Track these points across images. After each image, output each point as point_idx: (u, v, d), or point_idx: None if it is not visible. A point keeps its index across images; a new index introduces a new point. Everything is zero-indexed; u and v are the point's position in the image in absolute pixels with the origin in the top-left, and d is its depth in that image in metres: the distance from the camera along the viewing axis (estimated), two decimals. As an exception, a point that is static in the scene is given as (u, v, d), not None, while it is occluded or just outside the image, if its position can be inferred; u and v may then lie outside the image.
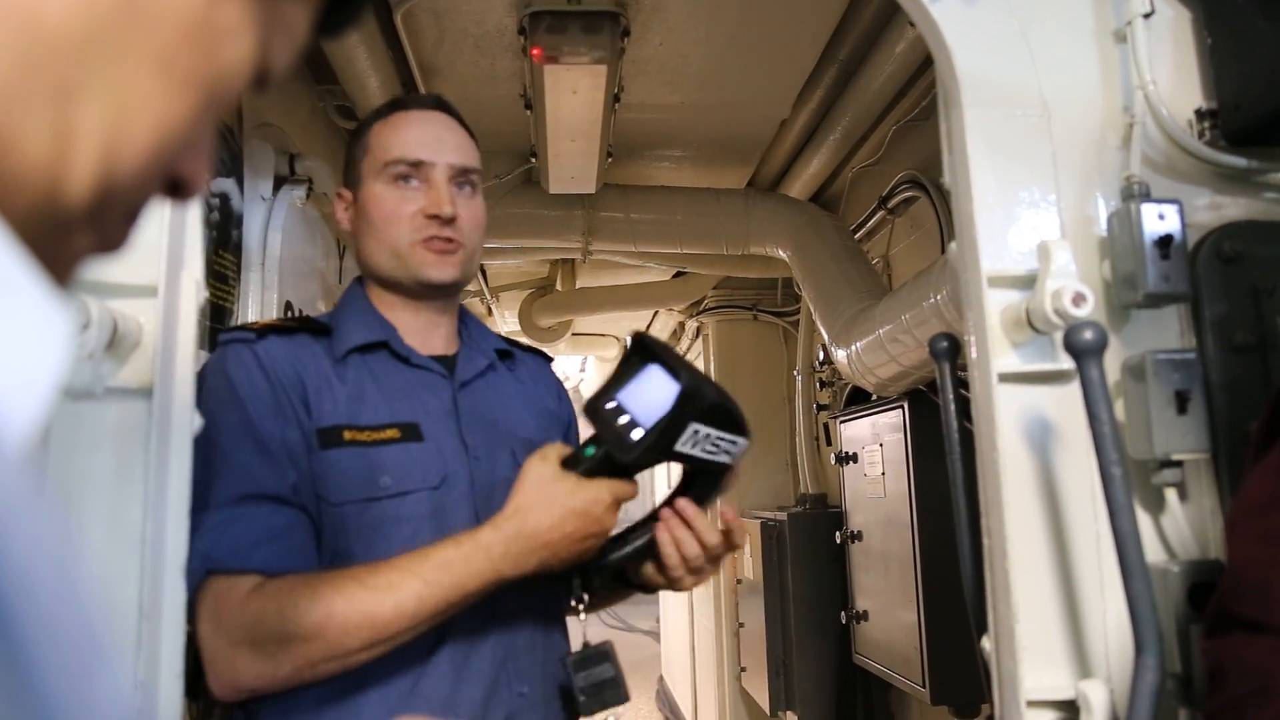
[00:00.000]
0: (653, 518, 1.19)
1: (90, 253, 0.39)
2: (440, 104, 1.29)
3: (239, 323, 2.07)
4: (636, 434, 1.07)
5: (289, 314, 2.26)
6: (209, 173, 0.44)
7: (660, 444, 1.07)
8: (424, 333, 1.27)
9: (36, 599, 0.25)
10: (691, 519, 1.17)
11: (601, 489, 1.10)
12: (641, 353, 1.13)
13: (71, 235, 0.37)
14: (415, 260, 1.21)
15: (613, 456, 1.10)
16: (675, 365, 1.09)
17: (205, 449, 1.08)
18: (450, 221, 1.20)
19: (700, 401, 1.07)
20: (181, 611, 1.08)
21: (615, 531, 1.18)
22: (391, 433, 1.16)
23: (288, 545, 1.07)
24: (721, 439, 1.11)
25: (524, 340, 1.47)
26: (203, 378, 1.15)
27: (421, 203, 1.20)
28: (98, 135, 0.34)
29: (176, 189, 0.42)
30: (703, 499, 1.19)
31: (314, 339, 1.21)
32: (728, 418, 1.11)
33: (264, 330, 1.18)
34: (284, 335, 1.19)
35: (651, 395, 1.09)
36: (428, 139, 1.23)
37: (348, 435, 1.14)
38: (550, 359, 1.50)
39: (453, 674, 1.12)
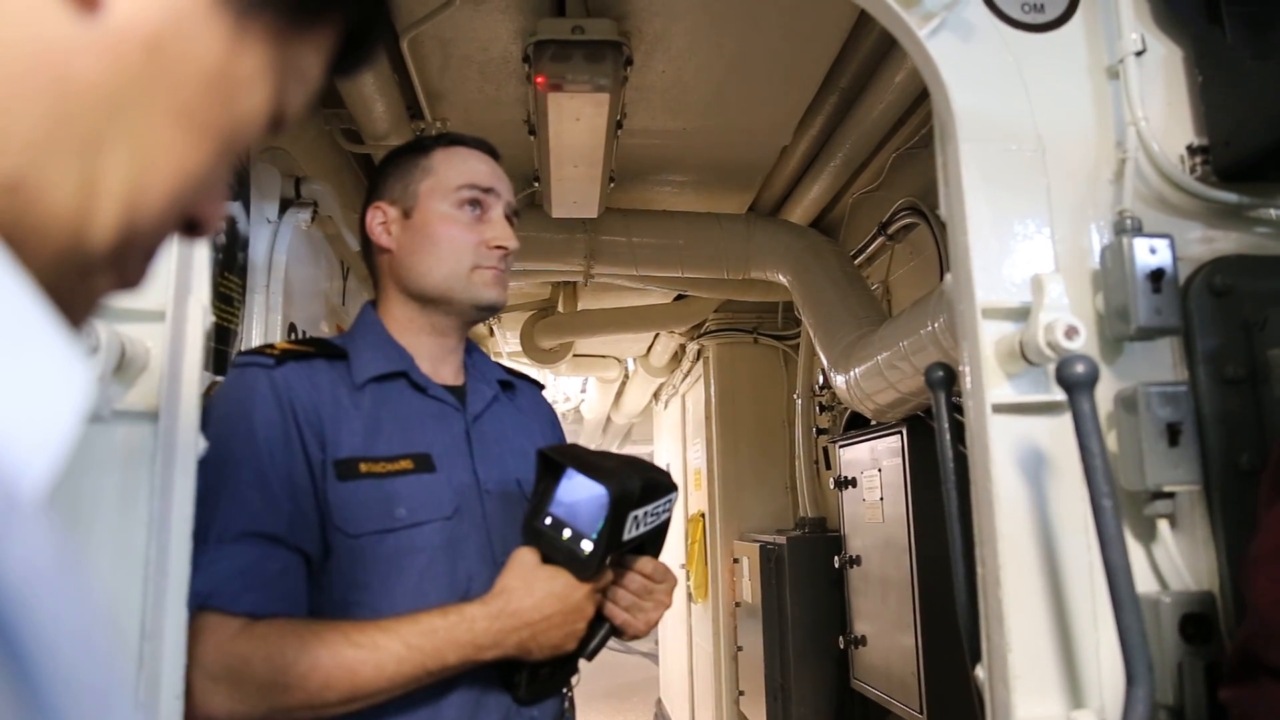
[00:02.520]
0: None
1: (110, 290, 0.40)
2: (493, 150, 1.35)
3: (246, 345, 2.09)
4: (586, 546, 1.11)
5: (293, 335, 2.28)
6: (222, 212, 0.46)
7: (610, 546, 1.12)
8: (439, 361, 1.29)
9: (61, 665, 0.26)
10: (651, 575, 1.22)
11: (585, 583, 1.14)
12: (554, 464, 1.15)
13: (94, 276, 0.38)
14: (476, 281, 1.26)
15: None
16: (594, 468, 1.12)
17: (211, 474, 1.08)
18: (508, 254, 1.28)
19: (630, 496, 1.11)
20: (183, 632, 1.08)
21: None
22: (405, 463, 1.17)
23: (279, 591, 1.08)
24: (657, 506, 1.16)
25: (517, 366, 1.51)
26: (216, 400, 1.16)
27: (485, 232, 1.27)
28: (121, 184, 0.36)
29: (192, 228, 0.43)
30: (656, 552, 1.24)
31: (329, 364, 1.21)
32: (656, 488, 1.16)
33: (283, 356, 1.18)
34: (301, 361, 1.19)
35: (582, 500, 1.12)
36: (493, 174, 1.31)
37: (363, 467, 1.15)
38: (542, 386, 1.52)
39: (478, 705, 1.14)
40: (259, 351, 1.20)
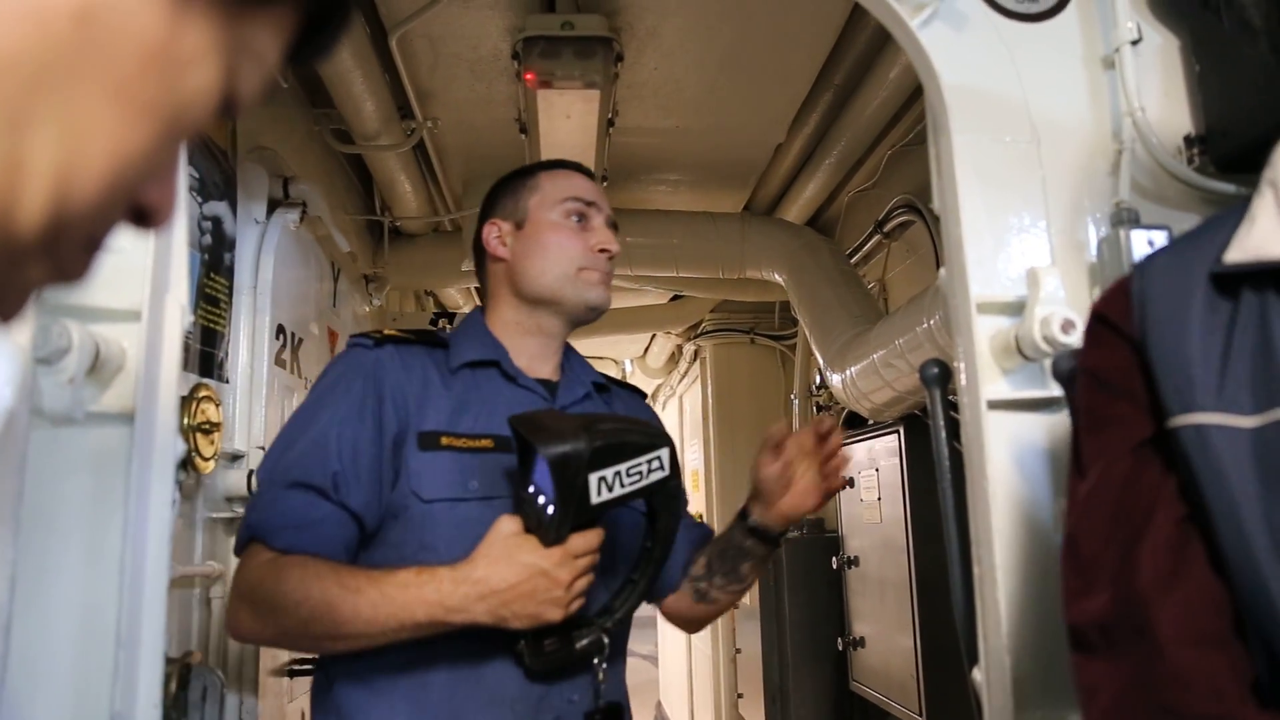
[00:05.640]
0: (650, 557, 1.23)
1: (46, 283, 0.38)
2: (589, 172, 1.50)
3: (234, 347, 2.07)
4: (550, 510, 1.11)
5: (280, 338, 2.26)
6: (175, 201, 0.43)
7: (574, 510, 1.10)
8: (536, 359, 1.39)
9: None
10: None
11: (553, 550, 1.13)
12: (522, 436, 1.14)
13: (24, 265, 0.36)
14: (582, 283, 1.37)
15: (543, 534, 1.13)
16: (544, 434, 1.10)
17: (294, 428, 1.24)
18: (612, 258, 1.40)
19: (578, 458, 1.08)
20: (160, 640, 1.06)
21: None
22: (486, 442, 1.25)
23: (313, 535, 1.16)
24: (636, 465, 1.13)
25: (621, 379, 1.61)
26: (324, 370, 1.33)
27: (590, 238, 1.39)
28: (50, 165, 0.34)
29: (143, 218, 0.41)
30: (673, 513, 1.22)
31: (428, 350, 1.33)
32: (628, 447, 1.13)
33: (383, 339, 1.31)
34: (399, 345, 1.31)
35: (547, 470, 1.10)
36: (594, 190, 1.45)
37: (444, 440, 1.24)
38: (644, 394, 1.61)
39: (519, 673, 1.19)
40: (365, 334, 1.33)
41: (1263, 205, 0.80)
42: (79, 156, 0.35)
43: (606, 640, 1.20)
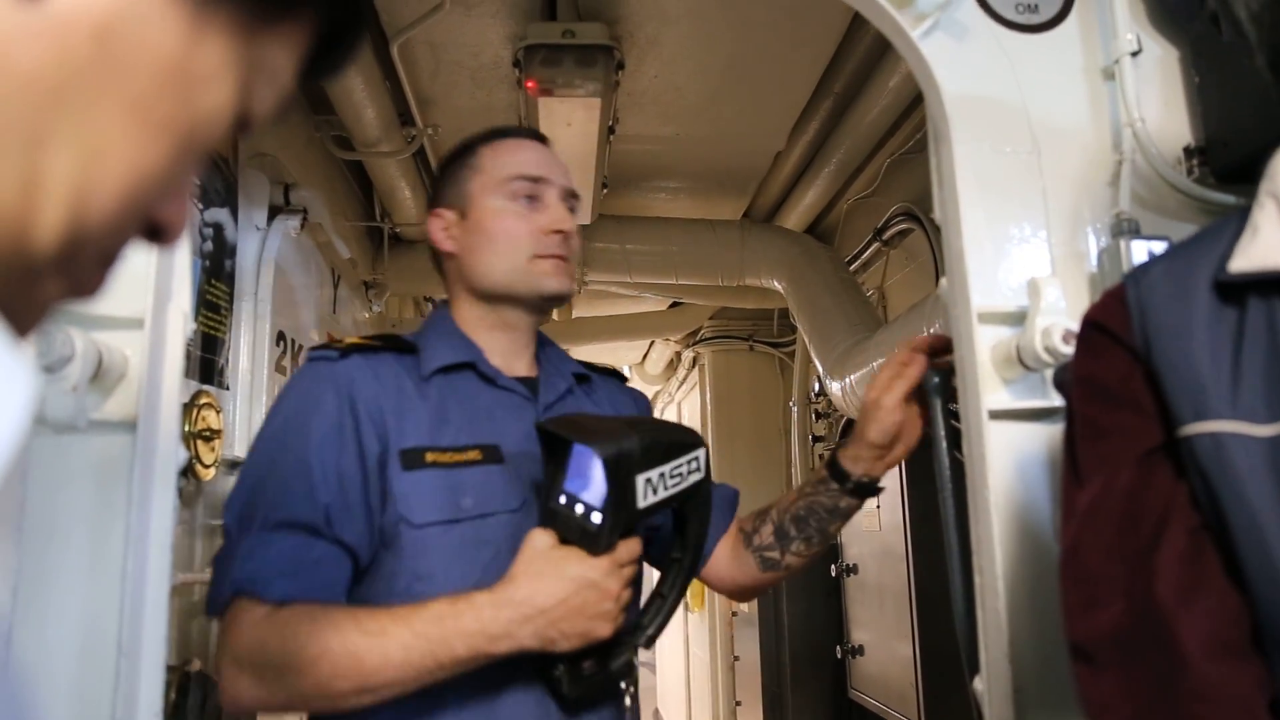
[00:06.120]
0: (679, 568, 1.15)
1: (61, 298, 0.38)
2: (540, 136, 1.34)
3: (234, 353, 2.07)
4: (596, 518, 1.02)
5: (280, 344, 2.26)
6: (187, 217, 0.43)
7: (624, 515, 1.03)
8: (509, 355, 1.27)
9: None
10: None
11: (600, 560, 1.05)
12: (559, 439, 1.06)
13: (40, 282, 0.36)
14: (536, 272, 1.23)
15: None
16: (592, 434, 1.04)
17: (263, 464, 1.09)
18: (567, 237, 1.25)
19: (630, 457, 1.02)
20: (162, 648, 1.06)
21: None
22: (473, 454, 1.14)
23: (311, 579, 1.04)
24: (678, 466, 1.07)
25: (599, 363, 1.45)
26: (280, 392, 1.18)
27: (540, 220, 1.24)
28: (67, 182, 0.34)
29: (156, 234, 0.41)
30: (703, 520, 1.15)
31: (397, 357, 1.20)
32: (670, 447, 1.07)
33: (347, 349, 1.18)
34: (367, 354, 1.18)
35: (587, 471, 1.03)
36: (543, 161, 1.28)
37: (430, 457, 1.13)
38: (625, 378, 1.48)
39: (536, 705, 1.09)
40: (326, 345, 1.20)
41: (1265, 216, 0.80)
42: (96, 173, 0.35)
43: (638, 661, 1.12)
